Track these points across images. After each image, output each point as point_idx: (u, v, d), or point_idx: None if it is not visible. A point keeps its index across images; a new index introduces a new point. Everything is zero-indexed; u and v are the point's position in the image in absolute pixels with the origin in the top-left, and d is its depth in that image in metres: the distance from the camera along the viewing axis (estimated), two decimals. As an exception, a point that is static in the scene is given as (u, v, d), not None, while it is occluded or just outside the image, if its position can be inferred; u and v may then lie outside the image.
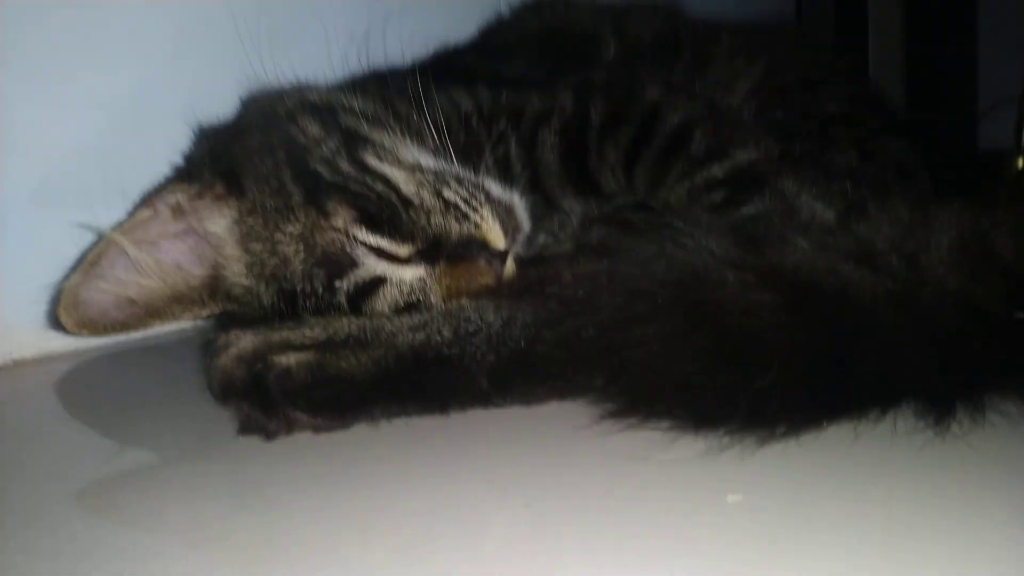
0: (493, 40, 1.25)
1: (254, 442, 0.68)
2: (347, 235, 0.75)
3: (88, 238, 0.81)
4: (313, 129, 0.81)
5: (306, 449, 0.67)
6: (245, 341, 0.69)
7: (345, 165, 0.78)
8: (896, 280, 0.71)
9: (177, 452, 0.72)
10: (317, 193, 0.76)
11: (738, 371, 0.63)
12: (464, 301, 0.74)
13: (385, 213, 0.76)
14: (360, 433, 0.68)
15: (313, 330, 0.71)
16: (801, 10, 1.82)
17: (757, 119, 0.96)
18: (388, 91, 0.90)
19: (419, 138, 0.85)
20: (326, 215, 0.76)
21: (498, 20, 1.31)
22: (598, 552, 0.50)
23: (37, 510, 0.62)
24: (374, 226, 0.76)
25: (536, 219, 0.87)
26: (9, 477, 0.69)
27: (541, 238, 0.91)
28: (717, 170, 0.87)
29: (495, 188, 0.83)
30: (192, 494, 0.64)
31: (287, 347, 0.69)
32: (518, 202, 0.83)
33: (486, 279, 0.77)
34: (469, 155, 0.88)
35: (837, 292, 0.69)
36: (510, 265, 0.81)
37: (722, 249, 0.73)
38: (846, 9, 1.78)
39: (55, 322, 0.77)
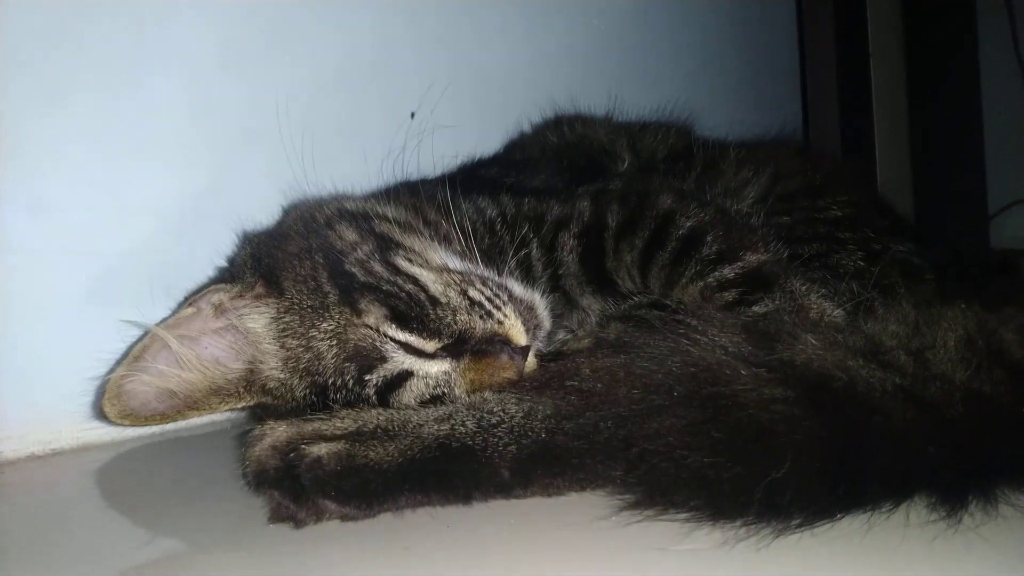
0: (516, 154, 1.34)
1: (284, 531, 0.70)
2: (378, 332, 0.80)
3: (133, 334, 0.86)
4: (349, 235, 0.87)
5: (334, 539, 0.69)
6: (279, 431, 0.73)
7: (378, 267, 0.83)
8: (904, 375, 0.73)
9: (208, 540, 0.74)
10: (351, 293, 0.81)
11: (752, 462, 0.65)
12: (487, 394, 0.77)
13: (414, 311, 0.80)
14: (386, 523, 0.70)
15: (343, 421, 0.74)
16: (808, 121, 1.91)
17: (766, 224, 1.01)
18: (419, 199, 0.97)
19: (447, 242, 0.91)
20: (359, 313, 0.80)
21: (520, 136, 1.41)
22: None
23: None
24: (403, 323, 0.80)
25: (556, 316, 0.92)
26: (46, 562, 0.71)
27: (561, 334, 0.95)
28: (728, 271, 0.91)
29: (517, 288, 0.87)
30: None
31: (319, 437, 0.72)
32: (539, 301, 0.88)
33: (508, 373, 0.80)
34: (493, 257, 0.94)
35: (847, 387, 0.72)
36: (531, 360, 0.84)
37: (735, 345, 0.76)
38: (852, 119, 1.87)
39: (99, 412, 0.81)
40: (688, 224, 0.97)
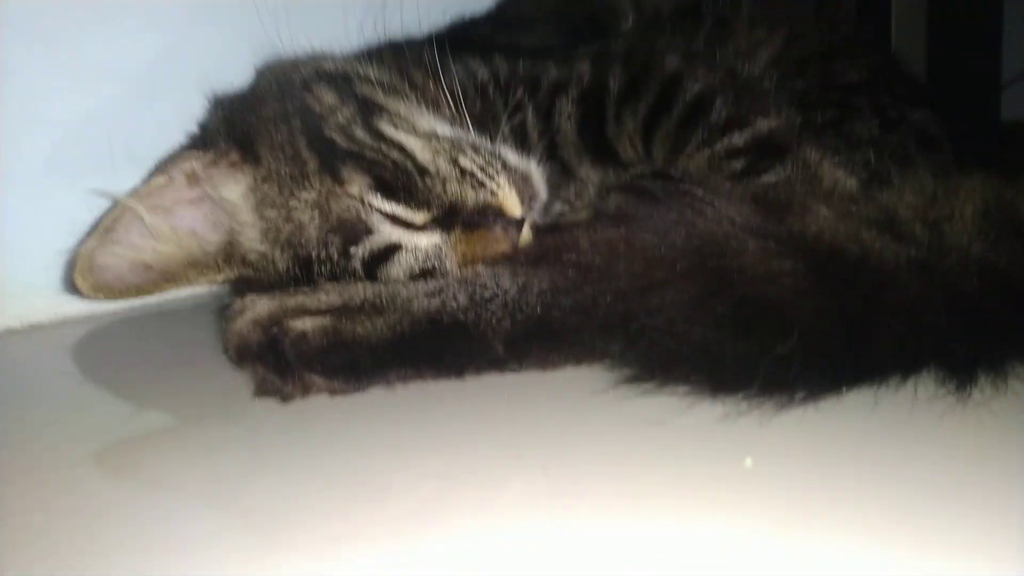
0: (510, 11, 1.24)
1: (270, 404, 0.68)
2: (362, 202, 0.75)
3: (103, 205, 0.80)
4: (328, 97, 0.81)
5: (322, 412, 0.67)
6: (261, 306, 0.69)
7: (360, 133, 0.77)
8: (919, 247, 0.70)
9: (194, 414, 0.72)
10: (332, 160, 0.76)
11: (758, 337, 0.62)
12: (480, 268, 0.74)
13: (400, 180, 0.75)
14: (376, 397, 0.68)
15: (329, 295, 0.70)
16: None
17: (778, 88, 0.94)
18: (404, 60, 0.90)
19: (435, 106, 0.85)
20: (341, 182, 0.75)
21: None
22: (615, 516, 0.50)
23: (55, 471, 0.63)
24: (389, 193, 0.75)
25: (553, 187, 0.87)
26: (27, 438, 0.70)
27: (558, 206, 0.90)
28: (738, 138, 0.85)
29: (512, 156, 0.82)
30: (209, 455, 0.64)
31: (303, 312, 0.69)
32: (535, 170, 0.83)
33: (502, 246, 0.77)
34: (485, 124, 0.87)
35: (859, 259, 0.68)
36: (526, 232, 0.80)
37: (743, 217, 0.72)
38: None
39: (71, 286, 0.77)
40: (696, 88, 0.90)
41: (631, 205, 0.79)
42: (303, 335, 0.66)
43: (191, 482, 0.61)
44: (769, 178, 0.82)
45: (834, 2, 1.49)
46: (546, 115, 0.94)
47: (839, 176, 0.83)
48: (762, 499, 0.50)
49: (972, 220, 0.75)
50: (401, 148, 0.77)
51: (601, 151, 0.94)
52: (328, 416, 0.67)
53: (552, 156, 0.92)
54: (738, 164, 0.84)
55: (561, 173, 0.92)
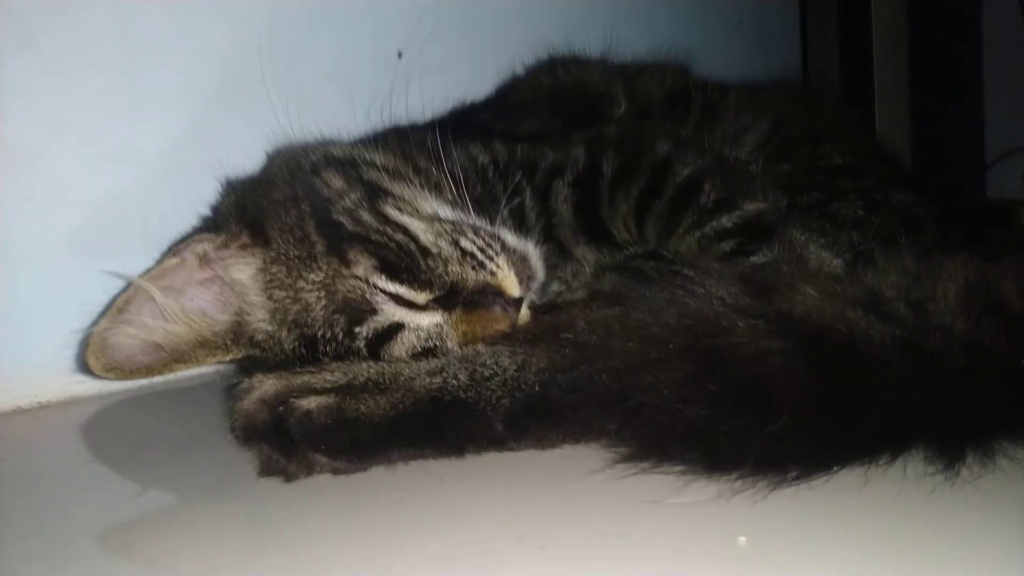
0: (509, 98, 1.30)
1: (274, 484, 0.70)
2: (367, 283, 0.78)
3: (117, 285, 0.83)
4: (336, 182, 0.85)
5: (325, 491, 0.68)
6: (267, 385, 0.71)
7: (366, 216, 0.81)
8: (904, 327, 0.72)
9: (197, 494, 0.73)
10: (339, 243, 0.79)
11: (749, 416, 0.64)
12: (480, 346, 0.76)
13: (404, 262, 0.78)
14: (378, 475, 0.69)
15: (333, 374, 0.72)
16: (807, 65, 1.87)
17: (765, 172, 0.99)
18: (408, 146, 0.94)
19: (437, 190, 0.88)
20: (347, 263, 0.78)
21: (513, 79, 1.37)
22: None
23: (60, 549, 0.64)
24: (393, 274, 0.78)
25: (550, 267, 0.90)
26: (33, 516, 0.71)
27: (555, 286, 0.93)
28: (726, 220, 0.89)
29: (510, 238, 0.85)
30: (212, 535, 0.65)
31: (308, 391, 0.70)
32: (532, 251, 0.86)
33: (501, 325, 0.79)
34: (485, 206, 0.91)
35: (846, 339, 0.70)
36: (524, 312, 0.83)
37: (732, 297, 0.75)
38: (852, 64, 1.83)
39: (83, 366, 0.80)
40: (686, 172, 0.94)
41: (626, 285, 0.82)
42: (308, 414, 0.68)
43: (193, 563, 0.61)
44: (757, 259, 0.86)
45: (819, 87, 1.56)
46: (543, 197, 0.98)
47: (824, 257, 0.86)
48: (756, 577, 0.51)
49: (955, 299, 0.77)
50: (405, 231, 0.80)
51: (596, 232, 0.97)
52: (330, 496, 0.68)
53: (549, 237, 0.95)
54: (727, 245, 0.88)
55: (558, 253, 0.95)
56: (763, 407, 0.65)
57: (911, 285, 0.78)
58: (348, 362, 0.75)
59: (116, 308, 0.78)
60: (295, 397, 0.70)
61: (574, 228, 0.97)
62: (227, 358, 0.83)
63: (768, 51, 1.86)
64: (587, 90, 1.24)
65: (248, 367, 0.83)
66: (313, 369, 0.73)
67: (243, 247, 0.82)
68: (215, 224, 0.86)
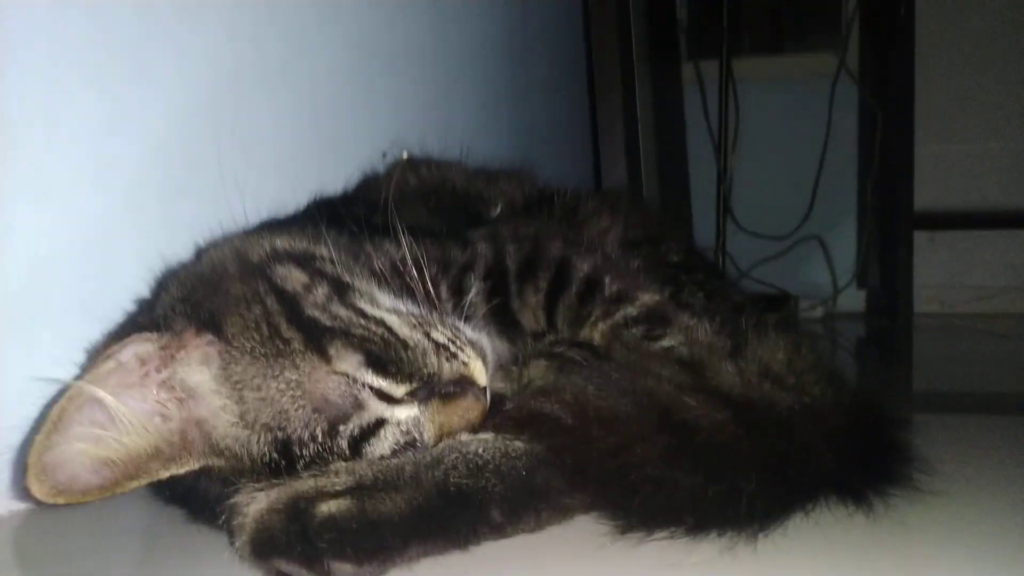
0: (375, 195, 1.32)
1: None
2: (352, 379, 0.76)
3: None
4: (297, 275, 0.82)
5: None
6: (274, 494, 0.67)
7: (342, 311, 0.80)
8: (799, 394, 0.89)
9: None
10: (319, 338, 0.77)
11: (732, 478, 0.75)
12: (463, 436, 0.79)
13: (388, 355, 0.79)
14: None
15: (339, 476, 0.70)
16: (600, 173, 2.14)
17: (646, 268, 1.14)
18: (341, 238, 0.94)
19: (385, 283, 0.90)
20: (328, 359, 0.76)
21: (371, 175, 1.40)
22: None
23: None
24: (380, 368, 0.78)
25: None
26: None
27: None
28: (632, 310, 1.02)
29: (468, 329, 0.89)
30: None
31: (321, 495, 0.68)
32: (486, 341, 0.90)
33: (474, 414, 0.82)
34: (420, 300, 0.94)
35: (767, 408, 0.86)
36: (487, 400, 0.86)
37: (673, 375, 0.87)
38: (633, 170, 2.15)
39: (26, 494, 0.67)
40: (585, 267, 1.06)
41: (579, 371, 0.90)
42: (331, 518, 0.65)
43: None
44: (666, 343, 0.99)
45: (640, 199, 1.82)
46: (458, 291, 1.03)
47: (716, 340, 1.02)
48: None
49: (811, 366, 0.97)
50: (382, 323, 0.80)
51: (505, 322, 1.04)
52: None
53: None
54: (638, 331, 1.00)
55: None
56: (734, 470, 0.76)
57: (791, 358, 0.96)
58: (350, 463, 0.73)
59: (51, 420, 0.67)
60: (309, 502, 0.66)
61: (487, 319, 1.03)
62: (182, 471, 0.74)
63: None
64: (456, 189, 1.32)
65: (192, 483, 0.76)
66: (315, 473, 0.71)
67: (195, 347, 0.76)
68: (153, 322, 0.78)
